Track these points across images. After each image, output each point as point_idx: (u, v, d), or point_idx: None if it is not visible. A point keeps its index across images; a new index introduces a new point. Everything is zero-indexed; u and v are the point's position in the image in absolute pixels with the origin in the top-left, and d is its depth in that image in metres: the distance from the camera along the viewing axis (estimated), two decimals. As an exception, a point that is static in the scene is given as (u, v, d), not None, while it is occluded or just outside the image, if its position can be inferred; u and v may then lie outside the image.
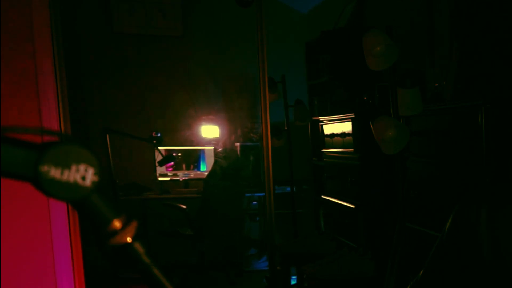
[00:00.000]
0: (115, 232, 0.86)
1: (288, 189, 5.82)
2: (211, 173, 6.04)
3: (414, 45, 4.25)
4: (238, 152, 6.73)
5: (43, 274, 3.24)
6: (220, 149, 6.47)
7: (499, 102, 2.73)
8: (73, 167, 0.77)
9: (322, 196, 5.08)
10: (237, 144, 6.92)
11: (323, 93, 5.35)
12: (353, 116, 4.27)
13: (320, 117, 5.13)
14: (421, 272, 1.67)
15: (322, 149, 5.09)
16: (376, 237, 4.09)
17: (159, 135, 6.36)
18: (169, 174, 6.70)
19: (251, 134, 7.20)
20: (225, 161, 5.99)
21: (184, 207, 5.76)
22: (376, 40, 2.98)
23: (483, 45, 3.29)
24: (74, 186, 0.77)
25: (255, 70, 7.22)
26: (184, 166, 6.77)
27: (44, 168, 0.75)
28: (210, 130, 7.04)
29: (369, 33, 3.04)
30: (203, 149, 6.82)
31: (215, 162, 6.15)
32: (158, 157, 6.25)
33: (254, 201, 6.90)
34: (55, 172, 0.75)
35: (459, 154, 3.04)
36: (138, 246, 0.89)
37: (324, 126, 5.02)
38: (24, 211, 3.18)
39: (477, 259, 1.49)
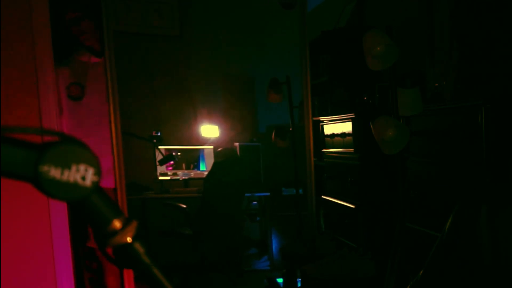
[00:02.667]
0: (115, 232, 0.87)
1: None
2: (211, 172, 6.04)
3: (414, 45, 4.25)
4: (238, 152, 6.73)
5: (43, 275, 3.25)
6: (219, 149, 6.46)
7: (499, 102, 2.73)
8: (73, 167, 0.77)
9: (322, 196, 5.07)
10: (237, 144, 6.92)
11: (324, 93, 5.35)
12: (353, 116, 4.27)
13: (320, 117, 5.13)
14: (421, 272, 1.67)
15: (322, 149, 5.09)
16: (376, 237, 4.09)
17: (159, 134, 6.36)
18: (169, 173, 6.69)
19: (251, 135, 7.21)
20: (225, 160, 5.99)
21: (184, 206, 5.76)
22: (376, 40, 2.98)
23: (483, 45, 3.29)
24: (74, 186, 0.77)
25: (254, 70, 7.26)
26: (184, 165, 6.77)
27: (44, 168, 0.75)
28: (209, 130, 7.04)
29: (369, 33, 3.04)
30: (203, 149, 6.82)
31: (215, 161, 6.15)
32: (159, 157, 6.25)
33: (254, 201, 6.90)
34: (55, 172, 0.75)
35: (459, 154, 3.04)
36: (138, 246, 0.89)
37: (325, 126, 5.02)
38: (24, 211, 3.18)
39: (477, 259, 1.49)
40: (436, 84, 3.59)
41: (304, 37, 4.10)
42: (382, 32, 3.03)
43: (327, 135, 4.95)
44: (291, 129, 5.03)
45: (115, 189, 3.31)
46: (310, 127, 3.80)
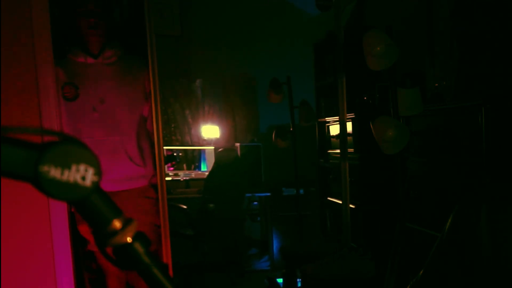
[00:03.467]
0: (115, 232, 0.87)
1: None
2: (212, 173, 6.04)
3: (414, 45, 4.26)
4: (238, 152, 6.73)
5: (43, 275, 3.25)
6: (220, 149, 6.46)
7: (499, 102, 2.73)
8: (73, 167, 0.77)
9: (328, 198, 5.08)
10: (237, 144, 6.92)
11: (330, 94, 5.35)
12: (353, 116, 4.27)
13: (326, 118, 5.14)
14: (421, 272, 1.67)
15: (328, 150, 5.09)
16: (376, 237, 4.09)
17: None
18: (170, 174, 6.69)
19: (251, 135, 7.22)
20: (226, 161, 5.99)
21: (185, 207, 5.75)
22: (376, 40, 2.98)
23: (483, 45, 3.29)
24: (74, 186, 0.77)
25: (255, 70, 7.26)
26: (185, 166, 6.77)
27: (44, 168, 0.75)
28: (210, 130, 7.04)
29: (369, 33, 3.04)
30: (203, 149, 6.82)
31: (216, 162, 6.15)
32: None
33: (255, 201, 6.90)
34: (55, 172, 0.75)
35: (459, 154, 3.04)
36: (138, 246, 0.90)
37: (330, 127, 5.03)
38: (24, 211, 3.18)
39: (477, 259, 1.49)
40: (436, 84, 3.59)
41: (340, 38, 4.07)
42: (382, 32, 3.03)
43: (332, 136, 4.95)
44: (291, 129, 5.03)
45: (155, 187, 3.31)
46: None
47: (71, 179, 0.77)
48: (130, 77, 3.23)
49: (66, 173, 0.76)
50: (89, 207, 0.83)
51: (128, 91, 3.21)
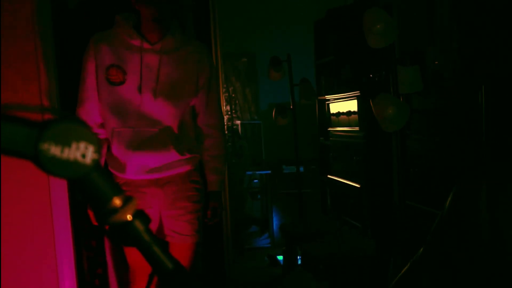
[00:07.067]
0: (115, 210, 0.87)
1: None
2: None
3: (414, 24, 4.23)
4: (239, 130, 6.73)
5: (43, 253, 3.26)
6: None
7: (499, 80, 2.73)
8: (73, 145, 0.77)
9: (329, 176, 5.08)
10: (238, 122, 6.91)
11: (331, 72, 5.32)
12: (359, 94, 4.26)
13: (326, 96, 5.13)
14: (421, 250, 1.68)
15: (328, 128, 5.09)
16: (379, 215, 4.09)
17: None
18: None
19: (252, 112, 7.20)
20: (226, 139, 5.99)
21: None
22: (376, 18, 2.97)
23: (484, 23, 3.27)
24: (74, 164, 0.77)
25: (255, 47, 7.23)
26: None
27: (45, 146, 0.75)
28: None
29: (369, 11, 3.03)
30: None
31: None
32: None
33: (255, 179, 6.90)
34: (55, 150, 0.75)
35: (459, 132, 3.04)
36: (139, 224, 0.90)
37: (331, 105, 5.02)
38: (24, 189, 3.18)
39: (477, 237, 1.50)
40: (436, 62, 3.58)
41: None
42: (381, 10, 3.02)
43: (333, 114, 4.94)
44: (291, 107, 5.02)
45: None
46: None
47: (71, 157, 0.77)
48: (184, 68, 3.00)
49: (66, 151, 0.76)
50: (89, 185, 0.83)
51: (180, 81, 2.99)
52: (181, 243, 3.00)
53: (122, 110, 2.85)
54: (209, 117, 3.09)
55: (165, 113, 2.87)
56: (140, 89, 2.82)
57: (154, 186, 2.94)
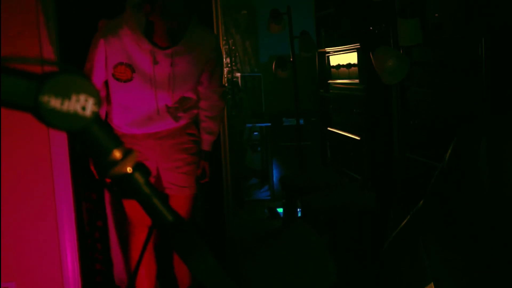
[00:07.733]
0: (115, 162, 0.87)
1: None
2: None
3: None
4: (239, 82, 6.71)
5: (43, 205, 3.28)
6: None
7: (499, 33, 2.71)
8: (73, 97, 0.77)
9: (329, 128, 5.07)
10: (238, 74, 6.88)
11: (331, 25, 5.27)
12: (359, 46, 4.23)
13: (326, 49, 5.09)
14: (421, 202, 1.69)
15: (328, 80, 5.06)
16: (379, 168, 4.09)
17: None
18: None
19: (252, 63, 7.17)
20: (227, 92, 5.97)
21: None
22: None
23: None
24: (74, 116, 0.77)
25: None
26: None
27: (45, 98, 0.75)
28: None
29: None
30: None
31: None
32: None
33: (255, 132, 6.89)
34: (55, 102, 0.75)
35: (459, 85, 3.03)
36: (138, 176, 0.90)
37: (331, 57, 4.98)
38: (24, 141, 3.19)
39: (477, 189, 1.50)
40: (436, 15, 3.55)
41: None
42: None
43: (333, 66, 4.91)
44: (291, 59, 5.00)
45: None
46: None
47: (71, 109, 0.77)
48: (194, 62, 2.95)
49: (66, 103, 0.76)
50: (89, 137, 0.83)
51: (191, 75, 2.97)
52: (180, 194, 3.05)
53: (128, 107, 2.94)
54: (211, 86, 3.14)
55: (175, 100, 2.98)
56: (154, 86, 2.88)
57: (150, 139, 2.97)
